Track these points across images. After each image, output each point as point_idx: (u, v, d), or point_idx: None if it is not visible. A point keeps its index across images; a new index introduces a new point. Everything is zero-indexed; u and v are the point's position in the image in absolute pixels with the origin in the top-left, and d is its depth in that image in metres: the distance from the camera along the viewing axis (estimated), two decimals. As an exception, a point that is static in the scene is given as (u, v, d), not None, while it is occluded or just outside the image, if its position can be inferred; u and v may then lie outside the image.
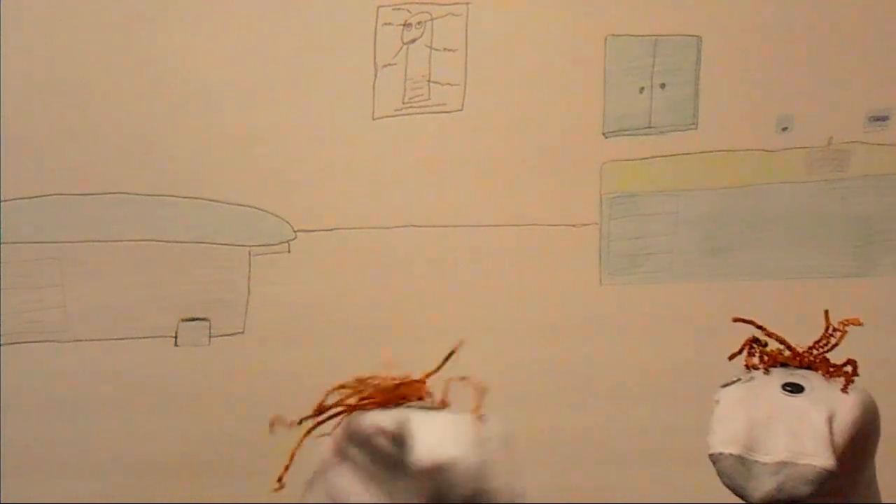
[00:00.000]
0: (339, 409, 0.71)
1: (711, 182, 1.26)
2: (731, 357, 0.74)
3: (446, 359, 0.72)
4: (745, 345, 0.74)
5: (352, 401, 0.70)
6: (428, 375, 0.72)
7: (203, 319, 1.26)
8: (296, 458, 0.72)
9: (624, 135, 1.25)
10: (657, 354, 1.26)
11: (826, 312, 0.73)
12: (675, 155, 1.25)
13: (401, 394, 0.71)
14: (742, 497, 0.64)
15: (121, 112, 1.23)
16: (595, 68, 1.24)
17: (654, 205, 1.26)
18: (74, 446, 1.27)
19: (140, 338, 1.26)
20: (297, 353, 1.26)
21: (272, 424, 0.72)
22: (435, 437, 0.65)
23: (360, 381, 0.72)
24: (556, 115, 1.24)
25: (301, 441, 0.71)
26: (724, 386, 0.71)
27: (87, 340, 1.26)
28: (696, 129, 1.25)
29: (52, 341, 1.26)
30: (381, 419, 0.67)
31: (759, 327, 0.73)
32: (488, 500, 0.64)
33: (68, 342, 1.26)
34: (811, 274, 1.26)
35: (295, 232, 1.25)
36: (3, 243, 1.24)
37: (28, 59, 1.22)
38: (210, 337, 1.26)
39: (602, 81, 1.24)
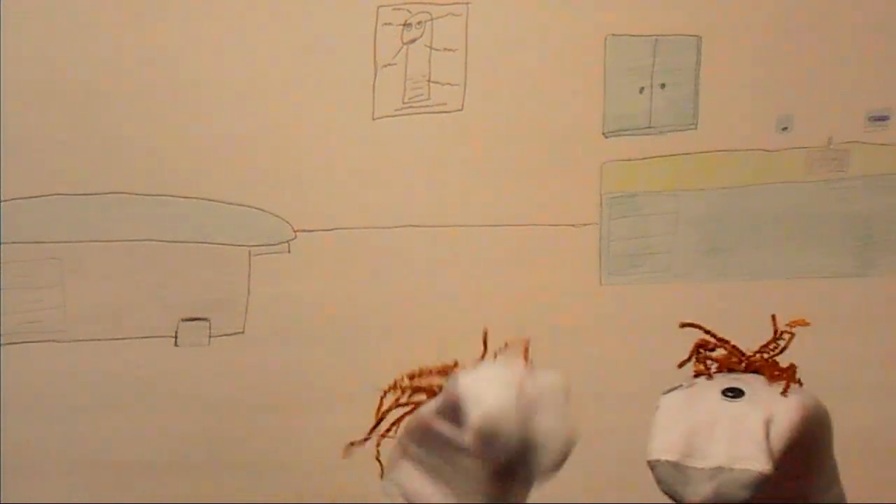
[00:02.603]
0: (398, 411, 0.72)
1: (711, 182, 1.26)
2: (680, 365, 0.74)
3: (485, 343, 0.72)
4: (692, 352, 0.74)
5: (405, 399, 0.71)
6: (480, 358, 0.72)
7: (203, 319, 1.26)
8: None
9: (624, 135, 1.25)
10: (657, 354, 1.26)
11: (773, 317, 0.73)
12: (675, 155, 1.25)
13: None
14: (678, 503, 0.64)
15: (121, 112, 1.23)
16: (595, 68, 1.24)
17: (654, 205, 1.26)
18: (74, 446, 1.27)
19: (140, 338, 1.26)
20: (297, 353, 1.26)
21: (346, 451, 0.73)
22: (482, 390, 0.65)
23: (412, 376, 0.72)
24: (556, 115, 1.24)
25: (378, 448, 0.72)
26: (666, 392, 0.71)
27: (87, 340, 1.26)
28: (696, 129, 1.25)
29: (52, 341, 1.26)
30: (432, 405, 0.68)
31: (707, 332, 0.73)
32: (540, 446, 0.65)
33: (68, 342, 1.26)
34: (811, 274, 1.26)
35: (295, 232, 1.25)
36: (3, 243, 1.24)
37: (28, 59, 1.22)
38: (210, 337, 1.26)
39: (602, 81, 1.24)
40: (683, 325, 0.73)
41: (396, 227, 1.25)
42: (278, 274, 1.25)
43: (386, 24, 1.23)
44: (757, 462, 0.62)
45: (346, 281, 1.26)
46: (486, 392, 0.64)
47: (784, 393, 0.68)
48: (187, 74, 1.23)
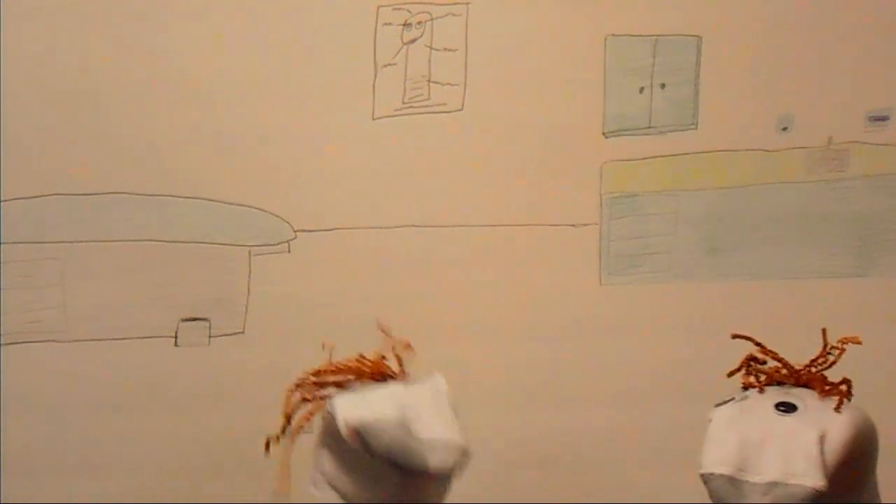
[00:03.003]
0: (305, 409, 0.75)
1: (711, 182, 1.26)
2: (731, 374, 0.75)
3: (389, 337, 0.77)
4: (743, 363, 0.75)
5: (311, 395, 0.75)
6: (381, 355, 0.76)
7: (203, 319, 1.26)
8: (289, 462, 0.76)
9: (624, 135, 1.25)
10: (657, 354, 1.26)
11: (823, 331, 0.73)
12: (675, 155, 1.25)
13: (358, 371, 0.76)
14: None
15: (121, 112, 1.23)
16: (595, 68, 1.24)
17: (654, 205, 1.26)
18: (74, 446, 1.27)
19: (140, 338, 1.26)
20: (297, 353, 1.25)
21: (266, 448, 0.76)
22: (353, 407, 0.70)
23: (318, 372, 0.77)
24: (556, 115, 1.24)
25: (285, 449, 0.75)
26: (718, 405, 0.71)
27: (87, 340, 1.26)
28: (696, 129, 1.25)
29: (52, 341, 1.26)
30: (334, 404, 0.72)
31: (758, 344, 0.74)
32: (421, 449, 0.67)
33: (68, 342, 1.26)
34: (811, 274, 1.26)
35: (295, 232, 1.25)
36: (3, 243, 1.24)
37: (28, 59, 1.22)
38: (210, 337, 1.26)
39: (602, 81, 1.24)
40: (735, 337, 0.74)
41: (396, 227, 1.25)
42: (278, 274, 1.25)
43: (386, 24, 1.23)
44: (811, 478, 0.63)
45: (346, 281, 1.26)
46: (356, 411, 0.69)
47: (837, 409, 0.69)
48: (187, 75, 1.23)
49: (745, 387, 0.72)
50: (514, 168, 1.25)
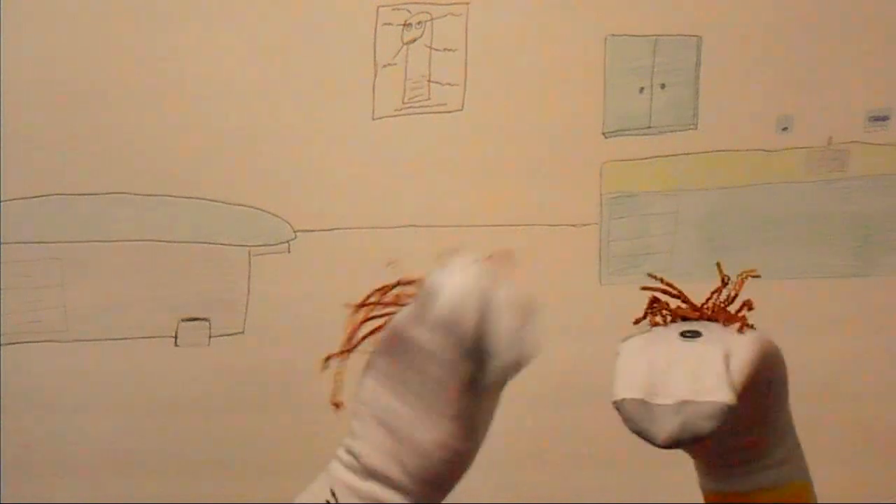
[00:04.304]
0: (368, 328, 0.72)
1: (711, 182, 1.26)
2: (637, 322, 0.76)
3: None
4: (647, 307, 0.76)
5: (377, 313, 0.72)
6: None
7: (203, 319, 1.26)
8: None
9: (624, 135, 1.25)
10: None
11: (718, 264, 0.75)
12: (675, 155, 1.25)
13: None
14: (648, 440, 0.65)
15: (121, 112, 1.23)
16: (595, 68, 1.24)
17: (654, 205, 1.26)
18: (74, 446, 1.27)
19: (140, 338, 1.26)
20: (297, 353, 1.26)
21: (324, 364, 0.72)
22: (448, 281, 0.68)
23: (384, 288, 0.74)
24: (556, 115, 1.24)
25: (341, 368, 0.72)
26: (625, 340, 0.72)
27: (87, 340, 1.26)
28: (696, 129, 1.25)
29: (52, 341, 1.26)
30: (404, 312, 0.69)
31: (661, 288, 0.75)
32: (496, 344, 0.64)
33: (68, 342, 1.26)
34: (811, 274, 1.26)
35: (295, 232, 1.25)
36: (3, 243, 1.24)
37: (28, 59, 1.22)
38: (210, 337, 1.26)
39: (602, 81, 1.24)
40: (644, 289, 0.75)
41: (396, 227, 1.25)
42: (278, 274, 1.25)
43: (386, 24, 1.23)
44: (720, 393, 0.63)
45: (346, 281, 1.26)
46: (452, 281, 0.67)
47: (740, 330, 0.70)
48: (187, 74, 1.23)
49: (654, 326, 0.74)
50: (514, 168, 1.25)
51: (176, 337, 1.26)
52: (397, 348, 0.68)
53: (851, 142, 1.25)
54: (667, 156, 1.25)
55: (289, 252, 1.25)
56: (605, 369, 1.26)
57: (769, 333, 0.71)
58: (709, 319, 0.73)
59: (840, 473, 1.25)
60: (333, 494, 0.66)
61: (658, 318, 0.75)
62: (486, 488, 1.27)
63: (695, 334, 0.70)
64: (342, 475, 0.67)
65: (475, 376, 0.66)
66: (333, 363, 0.72)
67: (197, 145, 1.24)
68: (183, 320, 1.26)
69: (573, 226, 1.26)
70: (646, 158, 1.25)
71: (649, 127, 1.25)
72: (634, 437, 0.69)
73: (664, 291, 0.75)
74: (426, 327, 0.66)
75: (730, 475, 0.73)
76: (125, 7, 1.22)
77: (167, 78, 1.23)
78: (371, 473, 0.66)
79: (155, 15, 1.22)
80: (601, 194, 1.26)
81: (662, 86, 1.24)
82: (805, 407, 1.32)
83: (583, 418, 1.26)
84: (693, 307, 0.74)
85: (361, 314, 0.73)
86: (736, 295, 0.74)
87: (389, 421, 0.66)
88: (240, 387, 1.27)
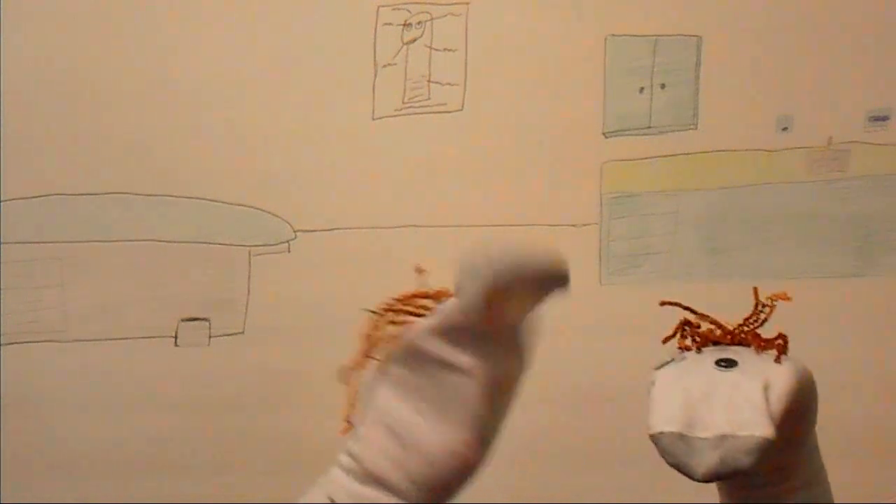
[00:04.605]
0: (388, 332, 0.72)
1: (711, 182, 1.26)
2: (665, 341, 0.75)
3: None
4: (677, 328, 0.75)
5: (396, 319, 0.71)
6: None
7: (203, 319, 1.26)
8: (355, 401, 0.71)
9: (624, 135, 1.25)
10: (657, 354, 1.26)
11: (755, 289, 0.74)
12: (675, 155, 1.25)
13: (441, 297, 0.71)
14: (686, 474, 0.64)
15: (121, 112, 1.23)
16: (595, 68, 1.24)
17: (654, 205, 1.26)
18: (74, 446, 1.27)
19: (140, 338, 1.26)
20: (297, 353, 1.26)
21: (341, 376, 0.72)
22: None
23: (403, 298, 0.72)
24: (556, 115, 1.24)
25: (356, 384, 0.71)
26: (658, 368, 0.71)
27: (87, 340, 1.26)
28: (696, 129, 1.25)
29: (52, 341, 1.26)
30: (424, 323, 0.68)
31: (688, 309, 0.74)
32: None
33: (68, 342, 1.26)
34: (811, 274, 1.26)
35: (295, 232, 1.25)
36: (3, 243, 1.24)
37: (28, 59, 1.22)
38: (210, 337, 1.26)
39: (602, 81, 1.24)
40: (664, 304, 0.74)
41: (396, 227, 1.25)
42: (278, 274, 1.25)
43: (386, 24, 1.23)
44: (759, 427, 0.63)
45: (346, 281, 1.26)
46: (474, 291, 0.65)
47: (777, 360, 0.68)
48: (187, 74, 1.23)
49: (682, 350, 0.73)
50: (514, 168, 1.25)
51: (176, 337, 1.26)
52: (414, 358, 0.67)
53: (851, 142, 1.25)
54: (667, 156, 1.25)
55: (289, 252, 1.25)
56: (605, 369, 1.27)
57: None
58: (739, 344, 0.72)
59: (840, 473, 1.25)
60: (332, 501, 0.66)
61: (687, 342, 0.74)
62: (485, 488, 1.27)
63: (730, 363, 0.68)
64: (341, 480, 0.67)
65: (492, 387, 0.65)
66: (350, 375, 0.71)
67: (197, 145, 1.24)
68: (183, 320, 1.26)
69: (573, 226, 1.26)
70: (646, 158, 1.25)
71: (649, 127, 1.25)
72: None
73: (689, 310, 0.74)
74: (454, 350, 0.65)
75: (754, 497, 0.73)
76: (125, 7, 1.22)
77: (167, 78, 1.23)
78: (372, 478, 0.65)
79: (155, 15, 1.22)
80: (601, 194, 1.26)
81: (662, 86, 1.24)
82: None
83: (583, 418, 1.26)
84: (725, 332, 0.73)
85: (382, 321, 0.72)
86: (766, 318, 0.73)
87: (399, 428, 0.66)
88: (240, 387, 1.27)
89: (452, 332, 0.66)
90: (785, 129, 1.25)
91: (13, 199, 1.24)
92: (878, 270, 1.27)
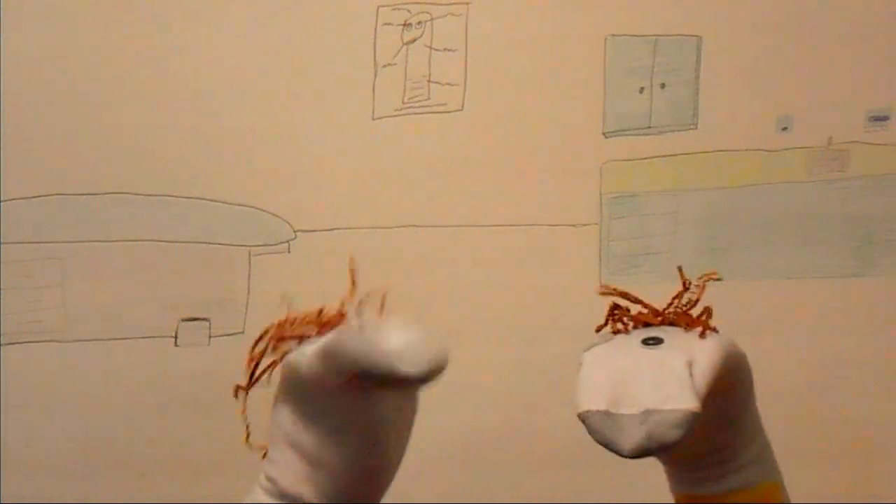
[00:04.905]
0: (267, 361, 0.73)
1: (711, 182, 1.26)
2: (598, 329, 0.76)
3: (352, 280, 0.74)
4: (608, 314, 0.75)
5: (276, 349, 0.73)
6: (342, 304, 0.72)
7: (203, 319, 1.26)
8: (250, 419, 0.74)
9: (624, 135, 1.25)
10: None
11: (679, 268, 0.74)
12: (675, 155, 1.25)
13: (322, 323, 0.73)
14: (615, 451, 0.65)
15: (121, 112, 1.23)
16: (595, 68, 1.24)
17: (654, 205, 1.26)
18: (74, 446, 1.27)
19: (140, 338, 1.26)
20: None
21: (237, 392, 0.74)
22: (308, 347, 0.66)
23: (281, 324, 0.74)
24: (556, 115, 1.24)
25: (243, 405, 0.73)
26: (587, 349, 0.72)
27: (87, 340, 1.26)
28: (696, 129, 1.25)
29: (52, 341, 1.26)
30: (306, 351, 0.69)
31: (623, 295, 0.74)
32: (383, 360, 0.62)
33: (68, 342, 1.26)
34: (811, 274, 1.26)
35: (295, 232, 1.25)
36: (3, 243, 1.24)
37: (28, 59, 1.22)
38: (210, 337, 1.26)
39: (602, 81, 1.24)
40: (602, 293, 0.74)
41: (396, 227, 1.25)
42: (278, 274, 1.25)
43: (386, 24, 1.23)
44: (684, 401, 0.63)
45: (346, 281, 1.25)
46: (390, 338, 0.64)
47: (702, 336, 0.69)
48: (187, 74, 1.23)
49: (615, 333, 0.73)
50: (514, 168, 1.25)
51: (176, 337, 1.26)
52: (293, 381, 0.69)
53: (851, 142, 1.25)
54: (667, 156, 1.25)
55: (289, 252, 1.25)
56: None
57: (731, 335, 0.71)
58: (671, 324, 0.73)
59: (839, 473, 1.25)
60: None
61: (620, 325, 0.75)
62: (485, 488, 1.28)
63: (657, 341, 0.69)
64: (263, 500, 0.69)
65: (364, 396, 0.65)
66: (240, 396, 0.74)
67: (197, 145, 1.24)
68: (183, 320, 1.26)
69: (573, 226, 1.26)
70: (646, 158, 1.25)
71: (649, 127, 1.25)
72: (576, 418, 0.69)
73: (623, 296, 0.75)
74: (312, 358, 0.66)
75: (700, 479, 0.73)
76: (125, 7, 1.22)
77: (167, 78, 1.23)
78: (289, 498, 0.67)
79: (155, 15, 1.22)
80: (601, 194, 1.26)
81: (662, 86, 1.24)
82: (804, 407, 1.32)
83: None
84: (654, 312, 0.74)
85: (259, 348, 0.74)
86: (698, 299, 0.74)
87: (301, 444, 0.68)
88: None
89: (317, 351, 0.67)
90: (785, 129, 1.25)
91: (13, 199, 1.24)
92: (878, 270, 1.27)
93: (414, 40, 1.23)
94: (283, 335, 0.72)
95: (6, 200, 1.24)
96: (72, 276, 1.25)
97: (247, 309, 1.26)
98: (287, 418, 0.69)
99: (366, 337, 0.64)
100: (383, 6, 1.22)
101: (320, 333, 0.71)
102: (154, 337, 1.26)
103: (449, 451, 1.26)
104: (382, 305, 0.72)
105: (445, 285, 1.25)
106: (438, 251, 1.26)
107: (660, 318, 0.73)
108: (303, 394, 0.68)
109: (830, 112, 1.24)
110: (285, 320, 0.72)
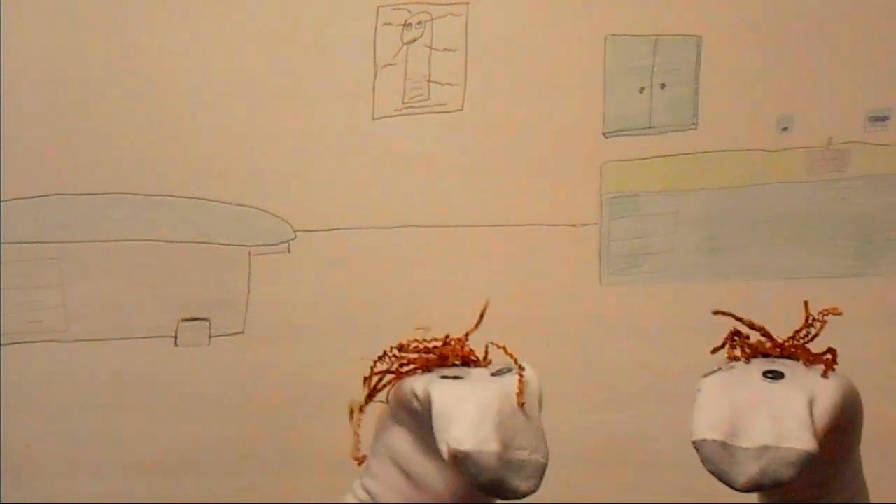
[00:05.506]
0: (385, 380, 0.72)
1: (711, 182, 1.26)
2: (714, 351, 0.75)
3: (482, 315, 0.74)
4: (727, 338, 0.75)
5: (394, 368, 0.71)
6: (467, 335, 0.74)
7: (203, 319, 1.26)
8: (360, 434, 0.74)
9: (624, 135, 1.25)
10: (657, 354, 1.26)
11: (805, 303, 0.74)
12: (675, 155, 1.25)
13: (443, 354, 0.73)
14: (727, 483, 0.64)
15: (120, 112, 1.23)
16: (595, 68, 1.24)
17: (654, 205, 1.26)
18: (74, 446, 1.27)
19: (140, 338, 1.26)
20: (297, 353, 1.26)
21: (350, 416, 0.74)
22: (457, 418, 0.65)
23: (402, 347, 0.73)
24: (556, 115, 1.24)
25: (358, 419, 0.73)
26: (706, 375, 0.71)
27: (87, 340, 1.26)
28: (696, 129, 1.25)
29: (52, 341, 1.26)
30: (415, 384, 0.69)
31: (740, 319, 0.74)
32: (518, 468, 0.64)
33: (68, 342, 1.26)
34: (811, 274, 1.26)
35: (295, 232, 1.25)
36: (3, 243, 1.24)
37: (28, 59, 1.22)
38: (210, 337, 1.26)
39: (602, 81, 1.24)
40: (716, 313, 0.74)
41: (396, 227, 1.25)
42: (278, 274, 1.25)
43: (386, 24, 1.23)
44: (802, 441, 0.63)
45: (346, 281, 1.26)
46: (462, 415, 0.65)
47: (824, 375, 0.69)
48: (187, 74, 1.23)
49: (731, 360, 0.73)
50: (514, 168, 1.25)
51: (176, 337, 1.26)
52: (411, 411, 0.69)
53: (851, 142, 1.25)
54: (667, 156, 1.25)
55: (289, 252, 1.25)
56: (605, 369, 1.27)
57: (850, 376, 0.71)
58: (788, 357, 0.72)
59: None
60: None
61: (737, 352, 0.74)
62: (486, 488, 1.27)
63: (777, 375, 0.69)
64: None
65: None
66: (356, 411, 0.74)
67: (197, 145, 1.24)
68: (183, 320, 1.26)
69: (573, 226, 1.26)
70: (646, 158, 1.25)
71: (649, 127, 1.25)
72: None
73: (739, 320, 0.74)
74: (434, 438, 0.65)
75: None
76: (125, 7, 1.22)
77: (167, 78, 1.23)
78: None
79: (154, 15, 1.22)
80: (601, 194, 1.26)
81: (662, 86, 1.24)
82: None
83: (582, 418, 1.26)
84: (774, 343, 0.73)
85: (380, 368, 0.74)
86: (817, 334, 0.73)
87: (407, 466, 0.68)
88: (240, 387, 1.27)
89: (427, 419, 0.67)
90: (785, 129, 1.25)
91: (13, 199, 1.24)
92: (878, 270, 1.27)
93: (414, 40, 1.23)
94: (404, 364, 0.72)
95: (6, 200, 1.24)
96: (72, 276, 1.25)
97: (247, 309, 1.26)
98: (400, 440, 0.70)
99: (498, 465, 0.64)
100: (383, 6, 1.22)
101: (441, 360, 0.72)
102: (154, 337, 1.26)
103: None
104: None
105: (445, 285, 1.25)
106: (438, 251, 1.26)
107: (779, 350, 0.73)
108: (422, 426, 0.68)
109: (830, 112, 1.24)
110: (407, 345, 0.73)
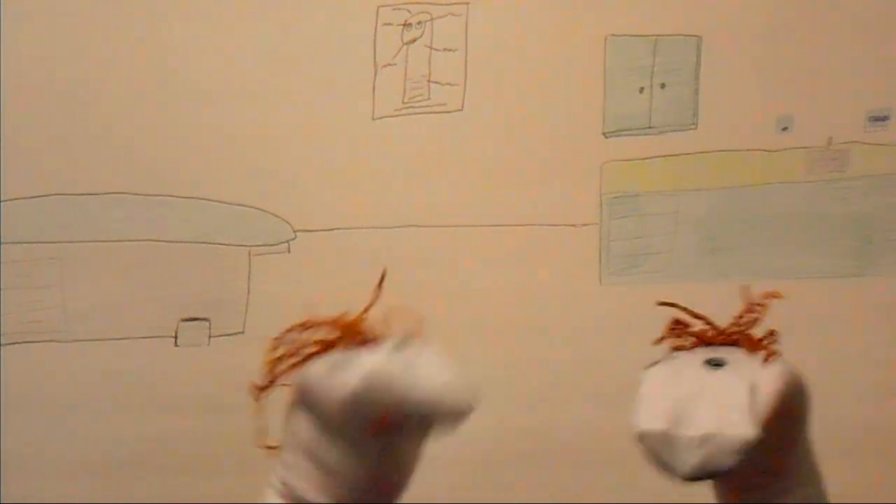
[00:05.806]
0: (288, 364, 0.72)
1: (711, 182, 1.26)
2: (657, 342, 0.75)
3: (378, 287, 0.74)
4: (668, 328, 0.74)
5: (296, 354, 0.71)
6: (365, 310, 0.73)
7: (203, 319, 1.26)
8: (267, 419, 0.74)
9: (624, 135, 1.25)
10: (657, 354, 1.26)
11: (746, 288, 0.73)
12: (675, 155, 1.25)
13: (343, 333, 0.72)
14: (669, 473, 0.64)
15: (121, 112, 1.23)
16: (595, 68, 1.24)
17: (654, 205, 1.26)
18: (74, 446, 1.27)
19: (140, 338, 1.26)
20: (297, 353, 1.26)
21: (251, 392, 0.74)
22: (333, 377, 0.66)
23: (300, 327, 0.73)
24: (556, 115, 1.24)
25: (258, 406, 0.73)
26: (648, 367, 0.71)
27: (87, 340, 1.26)
28: (696, 129, 1.25)
29: (52, 341, 1.26)
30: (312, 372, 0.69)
31: (684, 309, 0.74)
32: (421, 412, 0.64)
33: (68, 342, 1.26)
34: (811, 274, 1.26)
35: (295, 232, 1.25)
36: (3, 243, 1.24)
37: (28, 59, 1.22)
38: (210, 337, 1.26)
39: (602, 81, 1.24)
40: (661, 304, 0.74)
41: (396, 227, 1.25)
42: (278, 274, 1.25)
43: (386, 24, 1.23)
44: (743, 428, 0.63)
45: (346, 281, 1.25)
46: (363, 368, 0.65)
47: (766, 361, 0.68)
48: (187, 74, 1.23)
49: (675, 351, 0.73)
50: (514, 168, 1.25)
51: (176, 337, 1.26)
52: (312, 399, 0.69)
53: (851, 142, 1.25)
54: (667, 156, 1.25)
55: (289, 252, 1.25)
56: (605, 369, 1.27)
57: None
58: (732, 344, 0.72)
59: (840, 473, 1.25)
60: None
61: (680, 341, 0.74)
62: (485, 488, 1.27)
63: (719, 363, 0.69)
64: (275, 502, 0.69)
65: (393, 433, 0.66)
66: (258, 395, 0.74)
67: (197, 145, 1.24)
68: (183, 320, 1.26)
69: (573, 226, 1.26)
70: (646, 158, 1.25)
71: (649, 127, 1.25)
72: (632, 438, 0.68)
73: (684, 310, 0.74)
74: (335, 406, 0.66)
75: (748, 498, 0.73)
76: (125, 8, 1.22)
77: (167, 78, 1.23)
78: (303, 502, 0.67)
79: (155, 15, 1.22)
80: (601, 194, 1.26)
81: (662, 86, 1.24)
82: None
83: (582, 418, 1.26)
84: (717, 332, 0.73)
85: (280, 350, 0.74)
86: (759, 318, 0.73)
87: (319, 456, 0.68)
88: (240, 387, 1.27)
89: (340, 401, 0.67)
90: (785, 129, 1.25)
91: (13, 199, 1.24)
92: (878, 270, 1.27)
93: (414, 40, 1.23)
94: (303, 344, 0.71)
95: (6, 200, 1.24)
96: (72, 276, 1.25)
97: (247, 309, 1.26)
98: (305, 429, 0.69)
99: (410, 379, 0.64)
100: (383, 6, 1.22)
101: (342, 339, 0.70)
102: (154, 337, 1.26)
103: (446, 450, 1.26)
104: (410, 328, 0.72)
105: (445, 285, 1.25)
106: (438, 251, 1.26)
107: (722, 337, 0.73)
108: (323, 413, 0.68)
109: (830, 112, 1.24)
110: (304, 322, 0.72)
